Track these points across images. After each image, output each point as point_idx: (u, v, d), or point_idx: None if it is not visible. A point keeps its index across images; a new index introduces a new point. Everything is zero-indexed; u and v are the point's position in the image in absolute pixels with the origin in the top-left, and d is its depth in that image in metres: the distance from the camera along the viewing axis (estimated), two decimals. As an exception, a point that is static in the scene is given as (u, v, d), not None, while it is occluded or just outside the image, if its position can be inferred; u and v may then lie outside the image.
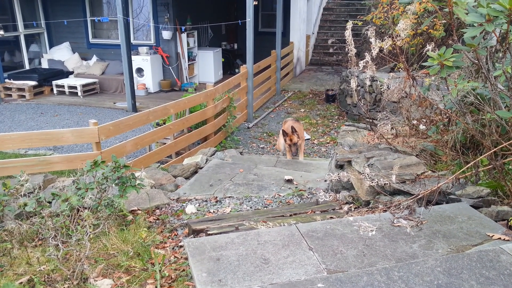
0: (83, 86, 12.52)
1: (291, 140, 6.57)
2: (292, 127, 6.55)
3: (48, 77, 12.84)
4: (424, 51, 3.56)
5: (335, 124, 10.08)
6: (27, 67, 13.92)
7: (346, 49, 4.28)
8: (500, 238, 2.61)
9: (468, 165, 3.38)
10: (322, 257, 2.39)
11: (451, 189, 3.32)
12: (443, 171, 3.97)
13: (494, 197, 3.28)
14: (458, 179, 3.22)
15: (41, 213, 3.34)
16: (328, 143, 8.87)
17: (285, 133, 6.62)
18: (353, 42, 4.19)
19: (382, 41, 3.97)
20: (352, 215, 3.25)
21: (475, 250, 2.36)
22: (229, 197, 4.72)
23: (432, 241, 2.56)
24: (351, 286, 1.87)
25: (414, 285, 1.88)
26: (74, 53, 14.23)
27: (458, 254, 2.22)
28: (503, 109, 3.12)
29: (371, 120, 5.12)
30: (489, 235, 2.64)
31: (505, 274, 1.96)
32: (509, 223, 2.98)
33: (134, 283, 2.69)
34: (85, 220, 3.01)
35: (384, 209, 3.22)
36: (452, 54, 3.16)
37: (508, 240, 2.60)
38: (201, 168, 5.89)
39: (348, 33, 4.11)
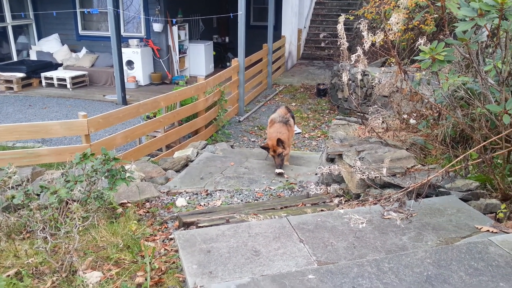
0: (72, 78, 12.37)
1: (274, 151, 5.63)
2: (278, 140, 5.59)
3: (36, 69, 12.66)
4: (416, 45, 3.57)
5: (326, 118, 10.10)
6: (15, 58, 13.71)
7: (338, 43, 4.27)
8: (488, 231, 2.64)
9: (457, 159, 3.41)
10: (313, 249, 2.39)
11: (441, 182, 3.34)
12: (433, 165, 4.00)
13: (483, 191, 3.31)
14: (447, 172, 3.24)
15: (29, 205, 3.30)
16: (319, 137, 8.89)
17: (265, 148, 5.78)
18: (345, 36, 4.19)
19: (374, 35, 3.97)
20: (342, 208, 3.26)
21: (464, 242, 2.38)
22: (220, 190, 4.71)
23: (421, 233, 2.58)
24: (342, 277, 1.87)
25: (404, 276, 1.89)
26: (63, 45, 14.04)
27: (448, 246, 2.24)
28: (493, 103, 3.14)
29: (362, 114, 5.13)
30: (477, 228, 2.67)
31: (493, 265, 1.98)
32: (497, 216, 3.01)
33: (124, 276, 2.67)
34: (74, 213, 2.98)
35: (375, 202, 3.23)
36: (443, 48, 3.17)
37: (496, 232, 2.63)
38: (191, 161, 5.87)
39: (340, 27, 4.10)
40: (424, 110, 5.21)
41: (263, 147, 5.80)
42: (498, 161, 3.57)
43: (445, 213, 2.85)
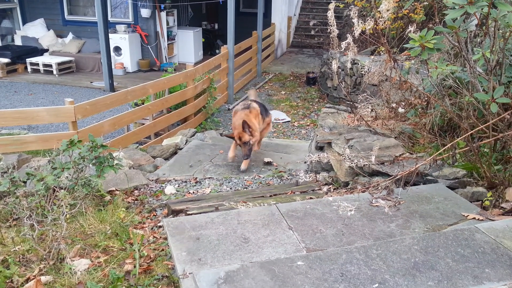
0: (59, 64, 12.16)
1: (240, 138, 4.97)
2: (244, 123, 4.92)
3: (21, 54, 12.41)
4: (406, 33, 3.57)
5: (316, 107, 10.10)
6: (-1, 43, 13.42)
7: (328, 30, 4.25)
8: (474, 218, 2.68)
9: (445, 147, 3.44)
10: (302, 236, 2.40)
11: (429, 170, 3.38)
12: (421, 153, 4.03)
13: (470, 179, 3.35)
14: (435, 160, 3.27)
15: (15, 193, 3.25)
16: (308, 125, 8.90)
17: (230, 137, 5.23)
18: (335, 24, 4.17)
19: (364, 23, 3.96)
20: (331, 196, 3.28)
21: (451, 229, 2.41)
22: (209, 178, 4.70)
23: (409, 221, 2.61)
24: (331, 263, 1.89)
25: (391, 263, 1.91)
26: (49, 30, 13.76)
27: (435, 233, 2.27)
28: (481, 92, 3.16)
29: (351, 103, 5.14)
30: (464, 215, 2.70)
31: (479, 252, 2.01)
32: (484, 203, 3.06)
33: (112, 263, 2.65)
34: (62, 200, 2.94)
35: (363, 189, 3.25)
36: (433, 36, 3.18)
37: (482, 220, 2.67)
38: (180, 149, 5.83)
39: (330, 14, 4.07)
40: (412, 99, 5.24)
41: (227, 136, 5.11)
42: (485, 150, 3.61)
43: (433, 201, 2.88)
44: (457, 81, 3.76)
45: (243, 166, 4.98)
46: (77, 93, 10.56)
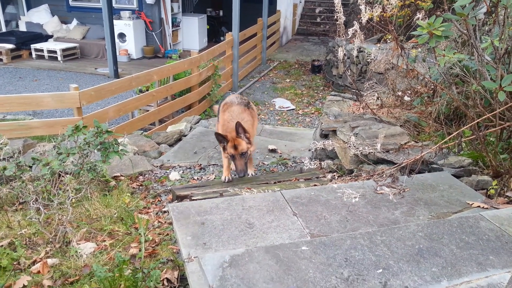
0: (63, 50, 12.13)
1: (235, 147, 3.64)
2: (238, 125, 3.62)
3: (26, 40, 12.38)
4: (413, 21, 3.53)
5: (320, 95, 10.06)
6: (3, 29, 13.39)
7: (334, 18, 4.21)
8: (479, 206, 2.67)
9: (451, 136, 3.42)
10: (306, 222, 2.41)
11: (434, 158, 3.36)
12: (426, 142, 4.02)
13: (475, 167, 3.34)
14: (441, 149, 3.26)
15: (21, 177, 3.28)
16: (312, 113, 8.87)
17: (222, 138, 3.68)
18: (341, 10, 4.12)
19: (371, 10, 3.91)
20: (336, 183, 3.28)
21: (455, 217, 2.41)
22: (213, 164, 4.71)
23: (413, 208, 2.61)
24: (335, 249, 1.89)
25: (396, 249, 1.92)
26: (53, 16, 13.70)
27: (439, 220, 2.26)
28: (488, 81, 3.13)
29: (357, 91, 5.10)
30: (469, 203, 2.70)
31: (484, 239, 2.01)
32: (489, 192, 3.05)
33: (118, 247, 2.68)
34: (67, 185, 2.96)
35: (368, 177, 3.25)
36: (441, 23, 3.14)
37: (487, 208, 2.66)
38: (185, 135, 5.84)
39: (337, 0, 4.03)
40: (419, 87, 5.20)
41: (219, 136, 3.67)
42: (491, 139, 3.59)
43: (437, 189, 2.87)
44: (464, 69, 3.72)
45: (225, 173, 3.94)
46: (81, 79, 10.55)
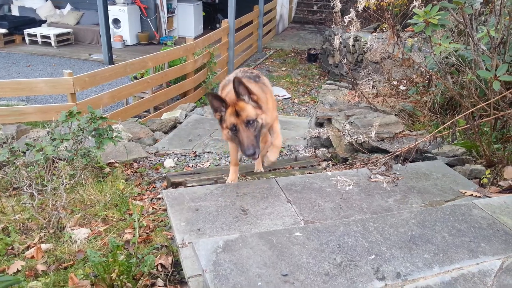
0: (57, 36, 11.99)
1: (237, 114, 2.53)
2: (237, 83, 2.51)
3: (19, 25, 12.22)
4: (410, 10, 3.52)
5: (316, 84, 10.04)
6: (-4, 13, 13.19)
7: (331, 5, 4.18)
8: (472, 195, 2.69)
9: (445, 125, 3.44)
10: (300, 209, 2.42)
11: (428, 147, 3.38)
12: (420, 131, 4.03)
13: (469, 157, 3.36)
14: (435, 137, 3.27)
15: (14, 163, 3.25)
16: (308, 102, 8.86)
17: (218, 102, 2.59)
18: (338, -3, 4.10)
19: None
20: (330, 171, 3.29)
21: (448, 204, 2.43)
22: (208, 152, 4.70)
23: (407, 196, 2.62)
24: (328, 235, 1.90)
25: (389, 236, 1.93)
26: (46, 0, 13.50)
27: (432, 208, 2.28)
28: (484, 70, 3.13)
29: (352, 80, 5.10)
30: (462, 192, 2.72)
31: (476, 227, 2.03)
32: (482, 181, 3.07)
33: (112, 232, 2.68)
34: (61, 171, 2.95)
35: (362, 165, 3.26)
36: (437, 12, 3.13)
37: (480, 196, 2.68)
38: (180, 123, 5.82)
39: (334, -12, 4.00)
40: (414, 76, 5.20)
41: (214, 100, 2.57)
42: (485, 128, 3.61)
43: (431, 177, 2.89)
44: (460, 59, 3.72)
45: (232, 157, 3.01)
46: (75, 65, 10.45)
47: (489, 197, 2.69)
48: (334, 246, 1.85)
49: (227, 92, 2.72)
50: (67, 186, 3.05)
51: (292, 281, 1.64)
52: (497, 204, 2.25)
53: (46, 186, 2.95)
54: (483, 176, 3.07)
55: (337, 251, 1.82)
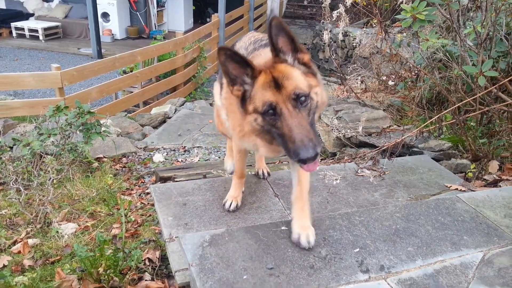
0: (45, 29, 11.84)
1: (277, 84, 1.55)
2: (277, 24, 1.53)
3: (6, 18, 12.04)
4: (398, 5, 3.53)
5: (306, 79, 10.05)
6: (-18, 6, 12.99)
7: (320, 0, 4.19)
8: (457, 189, 2.73)
9: (431, 119, 3.47)
10: (288, 203, 2.43)
11: (415, 142, 3.42)
12: (408, 125, 4.07)
13: (455, 151, 3.40)
14: (421, 132, 3.31)
15: (1, 157, 3.23)
16: (298, 97, 8.87)
17: (238, 66, 1.60)
18: (328, -8, 4.11)
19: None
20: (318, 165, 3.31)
21: (433, 198, 2.46)
22: (198, 147, 4.70)
23: (393, 190, 2.66)
24: (314, 229, 1.92)
25: (373, 229, 1.96)
26: (34, -7, 13.32)
27: (417, 202, 2.32)
28: (470, 66, 3.17)
29: (342, 75, 5.12)
30: (447, 186, 2.76)
31: (459, 220, 2.06)
32: (467, 175, 3.12)
33: (99, 227, 2.68)
34: (48, 166, 2.93)
35: (350, 159, 3.29)
36: (425, 7, 3.15)
37: (464, 190, 2.73)
38: (169, 117, 5.80)
39: (323, -18, 4.01)
40: (403, 71, 5.24)
41: (228, 60, 1.58)
42: (471, 123, 3.65)
43: (417, 172, 2.92)
44: (447, 54, 3.76)
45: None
46: (64, 59, 10.34)
47: (473, 191, 2.73)
48: (320, 240, 1.87)
49: (246, 48, 1.98)
50: (55, 181, 3.03)
51: (278, 274, 1.66)
52: (480, 198, 2.29)
53: (33, 181, 2.93)
54: (468, 171, 3.11)
55: (323, 244, 1.84)
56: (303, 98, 1.55)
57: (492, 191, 2.43)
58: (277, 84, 1.55)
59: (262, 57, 1.71)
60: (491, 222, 2.07)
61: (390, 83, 5.37)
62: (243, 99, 1.63)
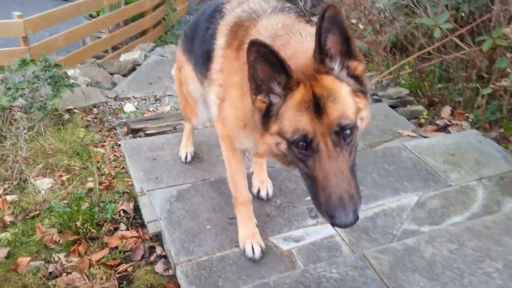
0: (1, -33, 11.07)
1: (318, 108, 1.20)
2: (332, 14, 1.11)
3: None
4: None
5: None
6: None
7: None
8: (408, 135, 2.96)
9: (391, 68, 3.62)
10: (251, 156, 2.61)
11: (374, 90, 3.58)
12: (371, 72, 4.21)
13: (412, 98, 3.59)
14: (380, 81, 3.48)
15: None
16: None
17: (277, 69, 1.19)
18: None
19: None
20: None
21: (381, 147, 2.67)
22: (169, 95, 4.76)
23: (349, 139, 2.85)
24: (272, 180, 2.10)
25: (326, 179, 2.17)
26: None
27: (367, 151, 2.53)
28: (431, 16, 3.26)
29: (309, 18, 5.12)
30: (400, 132, 2.97)
31: (402, 167, 2.29)
32: (419, 120, 3.34)
33: (75, 181, 2.81)
34: (19, 122, 3.00)
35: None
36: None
37: (415, 136, 2.95)
38: (139, 65, 5.77)
39: None
40: (372, 15, 5.26)
41: (263, 59, 1.17)
42: (432, 68, 3.79)
43: (374, 119, 3.10)
44: (414, 0, 3.81)
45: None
46: (27, 3, 9.82)
47: (424, 136, 2.96)
48: (276, 190, 2.07)
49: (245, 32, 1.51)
50: (27, 137, 3.10)
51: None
52: (424, 146, 2.52)
53: (5, 137, 3.00)
54: (421, 117, 3.33)
55: (279, 194, 2.05)
56: (348, 132, 1.20)
57: (436, 139, 2.66)
58: (317, 107, 1.17)
59: (293, 47, 1.27)
60: (431, 168, 2.31)
61: (360, 26, 5.40)
62: (268, 113, 1.26)
